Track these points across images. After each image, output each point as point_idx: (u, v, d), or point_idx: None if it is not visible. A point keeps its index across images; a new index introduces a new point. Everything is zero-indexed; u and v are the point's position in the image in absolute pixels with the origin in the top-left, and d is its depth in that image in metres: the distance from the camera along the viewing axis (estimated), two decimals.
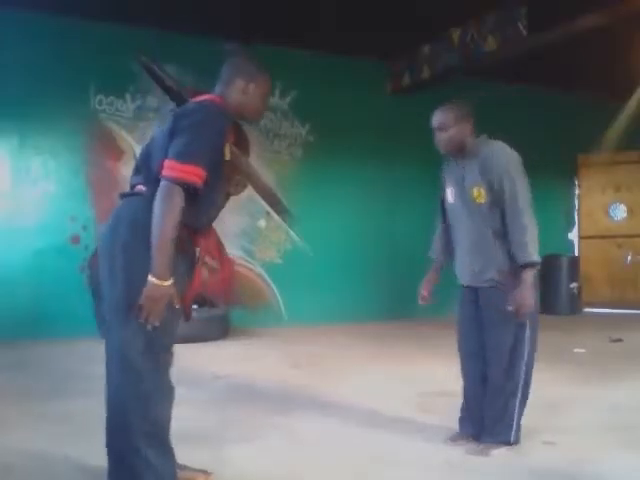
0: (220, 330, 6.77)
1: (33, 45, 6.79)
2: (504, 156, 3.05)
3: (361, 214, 8.42)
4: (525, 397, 3.12)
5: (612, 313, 9.34)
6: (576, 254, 9.95)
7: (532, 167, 10.67)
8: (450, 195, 3.21)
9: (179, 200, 2.20)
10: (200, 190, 2.27)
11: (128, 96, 7.32)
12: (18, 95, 6.74)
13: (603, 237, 9.94)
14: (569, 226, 10.13)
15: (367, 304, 8.05)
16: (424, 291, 3.33)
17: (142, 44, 7.25)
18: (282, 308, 7.98)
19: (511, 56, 7.12)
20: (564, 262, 9.38)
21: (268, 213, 7.97)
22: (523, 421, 3.13)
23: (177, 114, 2.42)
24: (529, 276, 2.95)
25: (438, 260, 3.40)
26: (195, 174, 2.24)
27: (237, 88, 2.62)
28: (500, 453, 3.04)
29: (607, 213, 10.00)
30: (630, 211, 9.85)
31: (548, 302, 9.32)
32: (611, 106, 9.32)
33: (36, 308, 6.60)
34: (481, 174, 3.03)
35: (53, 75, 6.88)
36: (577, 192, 10.16)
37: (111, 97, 7.24)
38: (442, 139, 3.11)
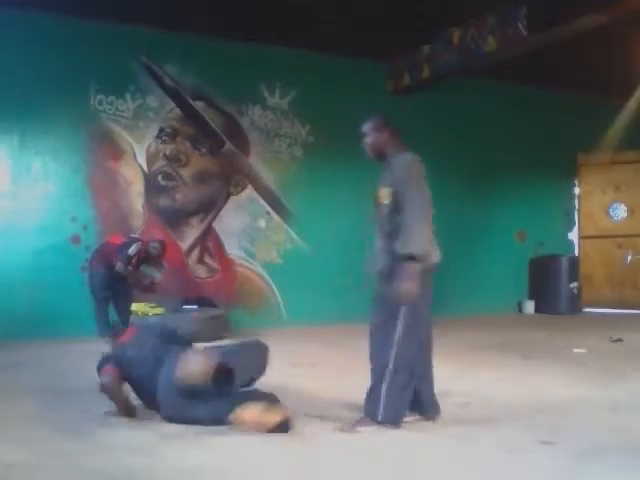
0: (220, 330, 6.76)
1: (33, 45, 6.79)
2: (406, 163, 3.44)
3: (361, 214, 8.41)
4: (396, 383, 3.37)
5: (612, 313, 9.33)
6: (576, 254, 9.95)
7: (532, 167, 10.61)
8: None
9: None
10: None
11: (128, 96, 7.32)
12: (18, 95, 6.74)
13: (603, 237, 9.94)
14: (569, 226, 10.12)
15: (367, 304, 8.04)
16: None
17: (142, 44, 7.26)
18: (282, 308, 7.98)
19: (511, 56, 7.11)
20: (564, 262, 9.38)
21: (268, 213, 7.97)
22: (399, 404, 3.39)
23: None
24: (409, 267, 3.26)
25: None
26: None
27: None
28: (367, 430, 3.33)
29: (607, 213, 10.00)
30: (630, 211, 9.84)
31: (548, 302, 9.33)
32: (611, 106, 9.31)
33: (36, 308, 6.61)
34: (389, 178, 3.45)
35: (53, 75, 6.88)
36: (577, 192, 10.16)
37: (111, 97, 7.24)
38: (366, 143, 3.65)
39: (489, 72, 8.12)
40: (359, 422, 3.42)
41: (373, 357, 3.51)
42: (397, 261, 3.32)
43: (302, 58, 7.96)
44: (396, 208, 3.38)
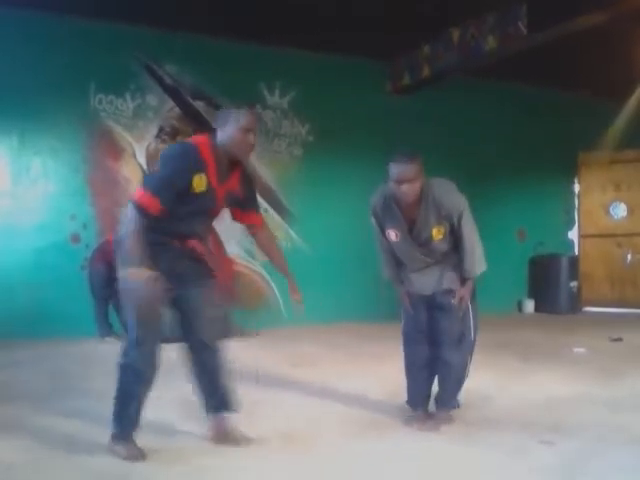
0: (220, 330, 6.75)
1: (33, 45, 6.79)
2: (455, 195, 3.45)
3: (361, 214, 8.38)
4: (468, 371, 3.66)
5: (612, 312, 9.33)
6: (576, 253, 9.95)
7: (532, 166, 10.61)
8: (394, 235, 3.50)
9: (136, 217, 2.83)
10: (161, 212, 2.82)
11: (128, 95, 7.31)
12: (18, 95, 6.73)
13: (603, 236, 9.93)
14: (569, 225, 10.12)
15: (367, 304, 8.04)
16: (408, 303, 3.70)
17: (142, 44, 7.26)
18: (282, 308, 7.97)
19: (511, 55, 7.11)
20: (564, 261, 9.38)
21: (266, 211, 7.96)
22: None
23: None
24: (471, 282, 3.53)
25: (397, 279, 3.75)
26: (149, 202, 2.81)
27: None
28: (448, 428, 3.46)
29: (607, 212, 9.99)
30: (630, 210, 9.84)
31: (548, 301, 9.33)
32: (611, 106, 9.31)
33: (36, 307, 6.60)
34: (438, 215, 3.38)
35: (53, 74, 6.88)
36: (577, 191, 10.16)
37: (111, 96, 7.23)
38: (412, 190, 3.28)
39: (489, 71, 8.11)
40: (439, 419, 3.57)
41: (445, 355, 3.57)
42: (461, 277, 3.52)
43: (302, 58, 7.96)
44: (447, 237, 3.47)
